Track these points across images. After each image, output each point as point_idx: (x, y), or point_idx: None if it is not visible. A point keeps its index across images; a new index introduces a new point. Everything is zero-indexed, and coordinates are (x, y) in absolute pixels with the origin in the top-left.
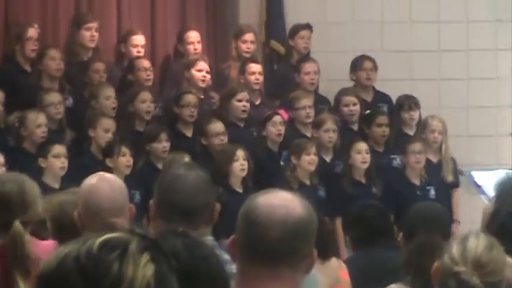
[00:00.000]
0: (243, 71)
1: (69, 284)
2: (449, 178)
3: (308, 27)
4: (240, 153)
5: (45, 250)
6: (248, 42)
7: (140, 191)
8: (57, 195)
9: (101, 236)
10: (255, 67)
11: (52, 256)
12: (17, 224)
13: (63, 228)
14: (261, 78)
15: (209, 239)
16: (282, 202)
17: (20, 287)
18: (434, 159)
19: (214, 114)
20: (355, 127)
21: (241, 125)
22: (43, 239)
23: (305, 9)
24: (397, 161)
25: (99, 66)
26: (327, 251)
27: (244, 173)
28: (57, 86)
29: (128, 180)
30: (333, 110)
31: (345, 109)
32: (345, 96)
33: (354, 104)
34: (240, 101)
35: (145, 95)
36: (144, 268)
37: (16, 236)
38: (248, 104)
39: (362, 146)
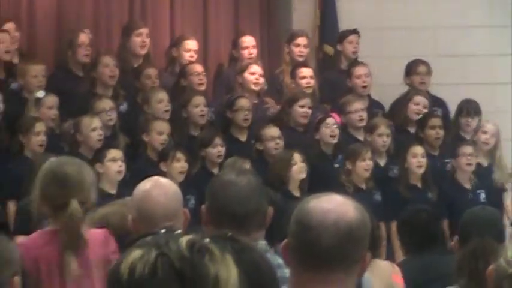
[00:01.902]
0: (294, 75)
1: None
2: (500, 182)
3: (356, 32)
4: (297, 157)
5: (94, 236)
6: (301, 46)
7: (195, 195)
8: (102, 208)
9: (180, 237)
10: (306, 71)
11: (123, 261)
12: (74, 202)
13: None
14: (312, 82)
15: (262, 244)
16: (334, 206)
17: (71, 266)
18: (484, 162)
19: (271, 120)
20: (412, 130)
21: (300, 130)
22: None
23: (358, 14)
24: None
25: (151, 72)
26: (376, 254)
27: (303, 175)
28: (111, 92)
29: (183, 185)
30: (387, 115)
31: (414, 107)
32: (418, 96)
33: (424, 106)
34: (302, 106)
35: (199, 100)
36: (232, 269)
37: (73, 213)
38: (310, 111)
39: (418, 149)
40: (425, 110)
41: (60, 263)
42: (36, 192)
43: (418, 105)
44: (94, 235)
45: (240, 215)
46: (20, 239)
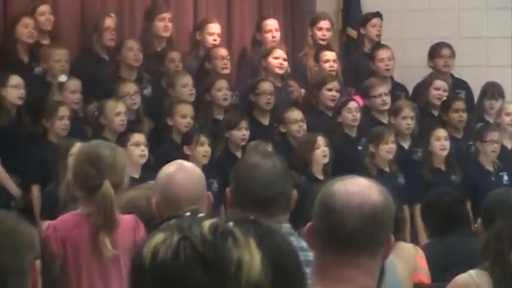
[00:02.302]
0: (317, 58)
1: (191, 274)
2: None
3: (379, 15)
4: (321, 140)
5: (124, 222)
6: (324, 30)
7: (218, 179)
8: (127, 192)
9: (203, 221)
10: (329, 55)
11: (146, 245)
12: (107, 183)
13: None
14: (335, 65)
15: (286, 227)
16: (358, 189)
17: (106, 246)
18: (508, 144)
19: (297, 104)
20: (436, 113)
21: (329, 113)
22: None
23: None
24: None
25: (175, 55)
26: (399, 236)
27: (326, 160)
28: (135, 76)
29: (206, 168)
30: (410, 98)
31: (435, 92)
32: (438, 80)
33: (445, 90)
34: (330, 90)
35: (222, 83)
36: (255, 253)
37: (106, 195)
38: (338, 94)
39: (441, 132)
40: (446, 94)
41: (89, 246)
42: (69, 175)
43: (439, 90)
44: (124, 220)
45: (265, 198)
46: (47, 224)
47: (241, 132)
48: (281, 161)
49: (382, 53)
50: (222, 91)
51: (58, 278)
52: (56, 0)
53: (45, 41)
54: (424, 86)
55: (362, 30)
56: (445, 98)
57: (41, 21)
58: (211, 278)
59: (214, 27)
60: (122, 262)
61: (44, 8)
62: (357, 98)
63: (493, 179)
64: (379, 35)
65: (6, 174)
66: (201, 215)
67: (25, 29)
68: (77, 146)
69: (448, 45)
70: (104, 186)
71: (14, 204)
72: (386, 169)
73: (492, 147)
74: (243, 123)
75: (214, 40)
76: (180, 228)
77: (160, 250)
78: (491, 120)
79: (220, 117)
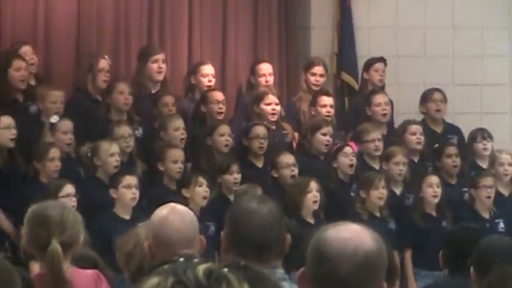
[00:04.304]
0: (314, 103)
1: None
2: None
3: (382, 60)
4: (313, 185)
5: (84, 278)
6: (317, 75)
7: (215, 222)
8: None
9: (198, 265)
10: (327, 100)
11: None
12: (54, 242)
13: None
14: (332, 111)
15: (280, 272)
16: (351, 235)
17: None
18: (505, 192)
19: (289, 147)
20: (416, 159)
21: (321, 158)
22: None
23: (376, 42)
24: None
25: (168, 99)
26: (393, 284)
27: (316, 206)
28: (125, 118)
29: (203, 212)
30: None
31: (413, 137)
32: (412, 125)
33: (421, 134)
34: (324, 134)
35: (224, 129)
36: None
37: (53, 254)
38: (331, 139)
39: (433, 179)
40: (422, 138)
41: None
42: (24, 236)
43: (415, 135)
44: (84, 276)
45: (262, 244)
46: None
47: (233, 176)
48: (276, 206)
49: (379, 98)
50: (224, 136)
51: None
52: (50, 40)
53: (32, 82)
54: (400, 132)
55: (365, 75)
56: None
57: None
58: None
59: (208, 69)
60: None
61: (25, 48)
62: (351, 144)
63: (488, 225)
64: (381, 80)
65: (1, 214)
66: (195, 260)
67: (17, 73)
68: (68, 188)
69: (440, 90)
70: (51, 246)
71: (8, 244)
72: (377, 214)
73: (486, 192)
74: (234, 167)
75: (209, 81)
76: (174, 272)
77: None
78: (484, 165)
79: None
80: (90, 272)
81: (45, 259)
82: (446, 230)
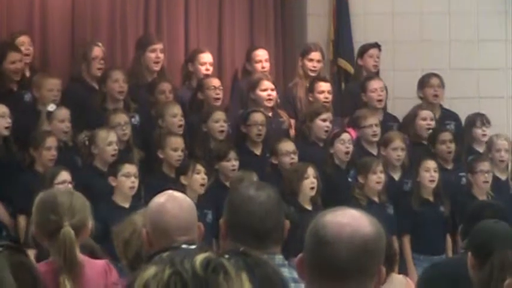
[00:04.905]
0: (311, 89)
1: None
2: None
3: (377, 45)
4: (311, 171)
5: (94, 267)
6: (314, 61)
7: (212, 210)
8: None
9: (196, 255)
10: (324, 86)
11: (138, 279)
12: (66, 226)
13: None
14: (330, 96)
15: (279, 258)
16: (349, 220)
17: None
18: (502, 176)
19: (286, 133)
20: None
21: (321, 144)
22: None
23: (373, 28)
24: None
25: (165, 86)
26: (392, 269)
27: (313, 192)
28: (121, 105)
29: (201, 199)
30: (401, 128)
31: (423, 123)
32: (423, 111)
33: (432, 119)
34: (324, 120)
35: (219, 115)
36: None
37: (66, 237)
38: (330, 125)
39: (431, 164)
40: (433, 123)
41: None
42: (32, 226)
43: (426, 120)
44: (95, 265)
45: (261, 231)
46: (31, 252)
47: (231, 163)
48: (275, 192)
49: (374, 84)
50: (219, 123)
51: None
52: (46, 29)
53: (27, 73)
54: (410, 117)
55: (360, 61)
56: (431, 128)
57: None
58: None
59: (206, 57)
60: None
61: (23, 39)
62: (350, 130)
63: None
64: (376, 66)
65: None
66: (193, 247)
67: (12, 65)
68: (63, 175)
69: (437, 75)
70: (63, 229)
71: (6, 234)
72: (376, 199)
73: (483, 177)
74: (232, 154)
75: (207, 70)
76: (172, 262)
77: (151, 285)
78: (480, 149)
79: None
80: (100, 262)
81: (56, 244)
82: (444, 215)
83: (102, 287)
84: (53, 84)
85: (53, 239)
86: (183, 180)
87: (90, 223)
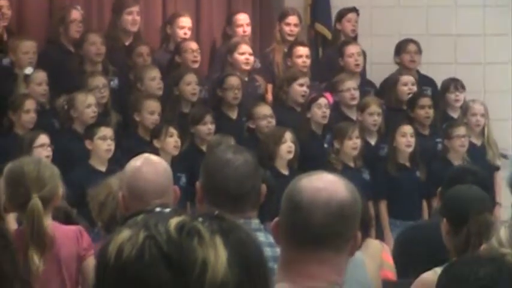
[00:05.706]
0: (290, 54)
1: (154, 273)
2: (493, 161)
3: (355, 10)
4: (288, 135)
5: (65, 233)
6: (292, 25)
7: (186, 173)
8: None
9: (170, 218)
10: (303, 50)
11: (112, 242)
12: (34, 198)
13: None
14: (308, 61)
15: (255, 222)
16: (325, 184)
17: (34, 262)
18: (477, 142)
19: (262, 98)
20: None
21: (298, 109)
22: None
23: None
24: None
25: (143, 49)
26: (368, 234)
27: (291, 156)
28: (100, 68)
29: (174, 163)
30: (378, 93)
31: (404, 88)
32: (404, 76)
33: (413, 84)
34: (301, 85)
35: (191, 77)
36: (221, 253)
37: (34, 209)
38: (308, 90)
39: (407, 129)
40: (414, 88)
41: (22, 262)
42: (2, 195)
43: (407, 85)
44: (65, 232)
45: (237, 195)
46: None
47: (207, 127)
48: (251, 156)
49: (351, 48)
50: (191, 85)
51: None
52: None
53: (4, 36)
54: (390, 82)
55: (338, 25)
56: (411, 94)
57: None
58: (175, 279)
59: (185, 21)
60: (66, 275)
61: (1, 2)
62: (327, 95)
63: None
64: (354, 30)
65: None
66: (167, 210)
67: None
68: (42, 138)
69: (414, 41)
70: (31, 202)
71: None
72: (351, 164)
73: (460, 142)
74: (208, 118)
75: (185, 34)
76: (146, 225)
77: (125, 248)
78: (455, 115)
79: (187, 111)
80: (72, 228)
81: (25, 215)
82: (420, 180)
83: (73, 253)
84: (28, 47)
85: (22, 211)
86: (156, 143)
87: (61, 190)
